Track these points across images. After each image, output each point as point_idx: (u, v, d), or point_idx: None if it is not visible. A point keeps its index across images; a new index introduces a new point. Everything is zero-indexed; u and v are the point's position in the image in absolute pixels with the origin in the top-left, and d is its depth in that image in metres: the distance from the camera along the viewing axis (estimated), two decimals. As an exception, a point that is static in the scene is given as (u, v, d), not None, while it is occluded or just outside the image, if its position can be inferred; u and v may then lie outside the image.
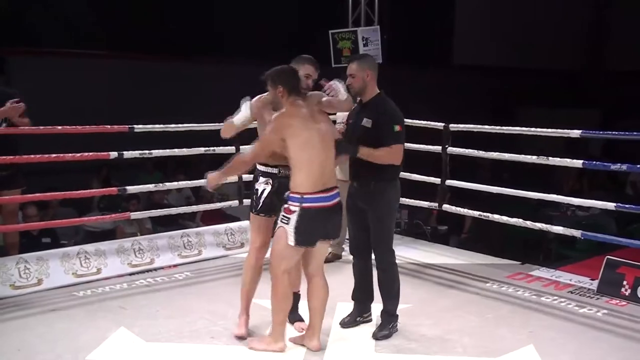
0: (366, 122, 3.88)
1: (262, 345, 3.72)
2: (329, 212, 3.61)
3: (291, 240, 3.56)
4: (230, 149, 5.86)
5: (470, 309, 4.44)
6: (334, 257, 5.42)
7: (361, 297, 4.15)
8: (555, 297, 4.68)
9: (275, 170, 3.92)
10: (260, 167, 3.97)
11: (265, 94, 3.87)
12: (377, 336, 3.95)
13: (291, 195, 3.58)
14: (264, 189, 3.94)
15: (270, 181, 3.93)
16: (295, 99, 3.65)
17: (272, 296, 3.67)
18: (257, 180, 3.98)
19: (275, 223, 3.80)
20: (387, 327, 3.98)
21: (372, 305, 4.18)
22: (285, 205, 3.59)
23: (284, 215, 3.58)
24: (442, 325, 4.12)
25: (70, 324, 4.19)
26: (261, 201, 3.93)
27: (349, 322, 4.10)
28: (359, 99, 4.00)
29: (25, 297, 4.71)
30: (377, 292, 4.11)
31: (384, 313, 4.02)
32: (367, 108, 3.94)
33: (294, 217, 3.54)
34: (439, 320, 4.22)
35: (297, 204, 3.54)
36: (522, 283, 5.00)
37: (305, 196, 3.54)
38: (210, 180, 3.80)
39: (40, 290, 4.82)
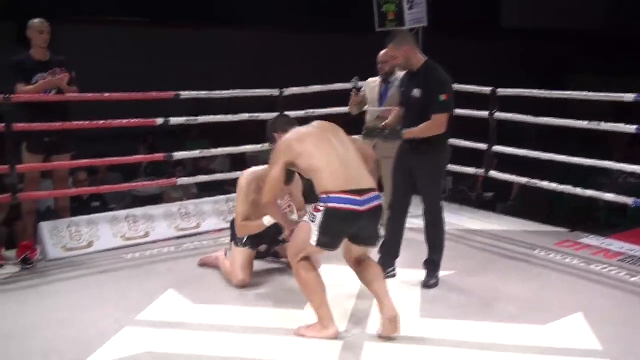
0: (416, 92, 4.01)
1: (312, 332, 3.45)
2: (360, 217, 3.32)
3: (313, 240, 3.35)
4: (275, 115, 5.86)
5: (517, 276, 4.38)
6: None
7: (389, 252, 4.29)
8: (605, 266, 4.59)
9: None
10: None
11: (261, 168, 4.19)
12: (427, 284, 4.13)
13: (320, 195, 3.37)
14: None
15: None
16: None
17: (301, 288, 3.48)
18: None
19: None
20: (435, 275, 4.17)
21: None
22: (314, 204, 3.39)
23: (311, 213, 3.37)
24: (488, 293, 4.08)
25: (120, 286, 4.29)
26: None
27: None
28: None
29: (77, 259, 4.85)
30: (404, 250, 4.33)
31: (430, 262, 4.19)
32: (417, 78, 4.06)
33: (319, 217, 3.31)
34: (484, 287, 4.18)
35: (324, 204, 3.31)
36: (571, 251, 4.91)
37: (331, 195, 3.30)
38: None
39: (90, 253, 4.95)
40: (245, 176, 4.26)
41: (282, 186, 3.62)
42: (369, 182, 3.40)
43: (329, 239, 3.36)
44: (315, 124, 3.60)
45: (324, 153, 3.38)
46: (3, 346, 3.40)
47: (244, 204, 4.19)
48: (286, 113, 5.04)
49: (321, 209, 3.32)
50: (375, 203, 3.39)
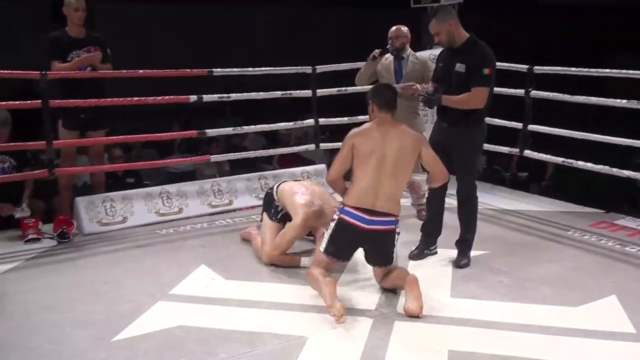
0: (459, 67, 3.97)
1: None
2: (363, 234, 3.53)
3: (322, 246, 3.63)
4: (307, 92, 5.87)
5: (550, 257, 4.33)
6: None
7: (431, 230, 4.30)
8: (641, 248, 4.51)
9: None
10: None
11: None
12: (459, 264, 4.13)
13: (339, 205, 3.64)
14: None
15: None
16: (384, 115, 3.68)
17: (310, 284, 3.71)
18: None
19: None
20: (466, 255, 4.17)
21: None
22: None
23: (329, 223, 3.66)
24: (520, 273, 4.04)
25: (154, 260, 4.36)
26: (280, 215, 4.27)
27: (417, 255, 4.27)
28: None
29: (112, 233, 4.94)
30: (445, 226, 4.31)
31: (462, 242, 4.19)
32: (460, 53, 4.01)
33: (332, 225, 3.60)
34: (517, 267, 4.14)
35: (338, 214, 3.58)
36: (606, 232, 4.84)
37: (345, 207, 3.56)
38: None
39: (125, 228, 5.03)
40: (304, 214, 4.08)
41: (348, 163, 3.68)
42: (388, 207, 3.55)
43: (334, 248, 3.62)
44: (386, 136, 3.63)
45: (366, 167, 3.55)
46: (40, 318, 3.49)
47: (293, 236, 4.11)
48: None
49: (335, 218, 3.60)
50: (385, 227, 3.55)
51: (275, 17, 11.48)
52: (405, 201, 5.37)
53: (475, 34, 4.03)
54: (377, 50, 5.01)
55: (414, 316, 3.40)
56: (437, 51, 4.95)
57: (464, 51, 3.98)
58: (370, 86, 5.26)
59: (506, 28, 12.67)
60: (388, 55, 5.08)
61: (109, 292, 3.82)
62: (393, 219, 3.58)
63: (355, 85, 5.69)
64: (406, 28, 5.08)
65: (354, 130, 3.68)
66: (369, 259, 3.72)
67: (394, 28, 5.08)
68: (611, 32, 14.02)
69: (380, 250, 3.64)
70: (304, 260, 4.09)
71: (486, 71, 3.89)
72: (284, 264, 4.13)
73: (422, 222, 4.97)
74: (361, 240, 3.61)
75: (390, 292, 3.71)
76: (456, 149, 4.05)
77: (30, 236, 4.74)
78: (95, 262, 4.38)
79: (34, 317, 3.50)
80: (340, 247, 3.64)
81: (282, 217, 4.26)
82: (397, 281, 3.63)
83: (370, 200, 3.53)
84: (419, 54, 5.07)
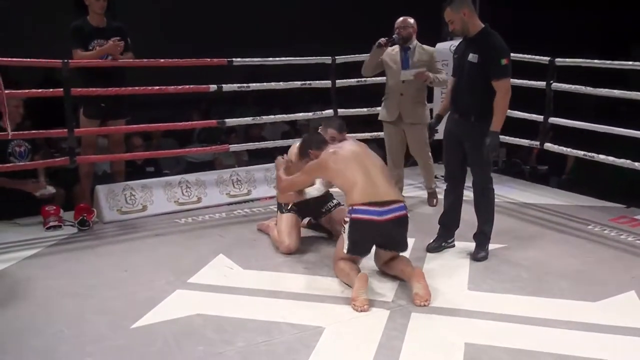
0: (472, 58, 3.94)
1: (353, 294, 3.51)
2: (380, 227, 3.61)
3: (345, 248, 3.68)
4: (327, 82, 5.87)
5: (569, 251, 4.31)
6: None
7: (448, 223, 4.30)
8: (662, 243, 4.46)
9: None
10: None
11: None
12: (477, 257, 4.12)
13: (348, 208, 3.71)
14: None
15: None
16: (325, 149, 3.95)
17: (338, 276, 3.78)
18: None
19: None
20: (484, 248, 4.16)
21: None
22: (345, 216, 3.73)
23: (343, 225, 3.72)
24: (539, 267, 4.02)
25: (173, 249, 4.40)
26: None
27: (435, 247, 4.28)
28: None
29: (132, 221, 4.98)
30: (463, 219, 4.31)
31: (480, 235, 4.18)
32: (473, 43, 3.98)
33: (346, 227, 3.66)
34: (535, 261, 4.12)
35: (349, 215, 3.65)
36: (626, 227, 4.79)
37: (355, 207, 3.62)
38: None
39: (144, 216, 5.08)
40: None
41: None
42: (392, 195, 3.70)
43: (356, 246, 3.68)
44: (347, 145, 3.92)
45: (352, 171, 3.72)
46: (61, 304, 3.54)
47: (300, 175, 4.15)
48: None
49: (347, 220, 3.65)
50: (398, 213, 3.66)
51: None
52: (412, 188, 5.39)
53: (491, 27, 3.99)
54: (382, 39, 4.98)
55: (423, 302, 3.45)
56: (457, 42, 4.93)
57: (477, 41, 3.95)
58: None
59: (528, 19, 12.50)
60: (395, 46, 5.06)
61: (128, 280, 3.86)
62: (402, 204, 3.70)
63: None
64: (412, 19, 5.07)
65: (321, 162, 3.85)
66: (386, 247, 3.77)
67: (400, 18, 5.08)
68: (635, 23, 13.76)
69: (399, 237, 3.73)
70: (308, 190, 4.19)
71: (504, 61, 3.88)
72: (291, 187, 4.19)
73: (433, 207, 4.98)
74: (379, 232, 3.64)
75: (407, 285, 3.70)
76: (469, 140, 4.03)
77: (52, 223, 4.80)
78: (114, 249, 4.43)
79: (54, 303, 3.55)
80: (361, 244, 3.69)
81: (291, 208, 4.35)
82: (400, 271, 3.71)
83: (374, 191, 3.64)
84: (439, 45, 5.03)
